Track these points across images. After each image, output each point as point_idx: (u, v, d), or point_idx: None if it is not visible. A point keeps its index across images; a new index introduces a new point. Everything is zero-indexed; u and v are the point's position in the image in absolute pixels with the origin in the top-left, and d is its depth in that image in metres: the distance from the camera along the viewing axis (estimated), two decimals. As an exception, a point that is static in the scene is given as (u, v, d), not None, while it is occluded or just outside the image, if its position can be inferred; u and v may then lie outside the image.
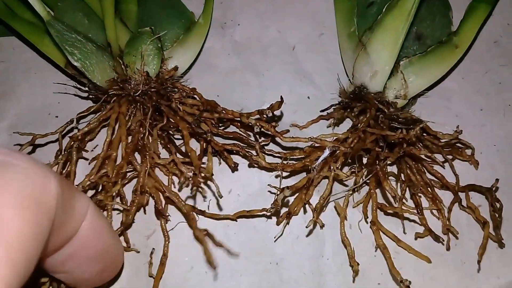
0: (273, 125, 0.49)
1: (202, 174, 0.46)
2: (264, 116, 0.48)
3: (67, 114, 0.55)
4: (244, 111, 0.55)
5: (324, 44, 0.61)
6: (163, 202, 0.50)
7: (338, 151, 0.48)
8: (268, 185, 0.52)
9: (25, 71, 0.60)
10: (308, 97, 0.59)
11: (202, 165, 0.47)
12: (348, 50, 0.54)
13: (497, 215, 0.49)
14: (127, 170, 0.51)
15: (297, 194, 0.50)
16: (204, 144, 0.51)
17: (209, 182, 0.52)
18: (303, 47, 0.61)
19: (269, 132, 0.49)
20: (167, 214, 0.50)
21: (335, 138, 0.49)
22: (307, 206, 0.51)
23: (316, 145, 0.49)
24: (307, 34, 0.62)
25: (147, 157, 0.50)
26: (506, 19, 0.63)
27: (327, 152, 0.46)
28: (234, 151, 0.52)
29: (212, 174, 0.47)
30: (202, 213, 0.49)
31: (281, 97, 0.48)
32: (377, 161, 0.47)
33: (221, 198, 0.49)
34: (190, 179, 0.46)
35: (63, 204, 0.28)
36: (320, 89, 0.59)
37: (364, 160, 0.52)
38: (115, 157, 0.49)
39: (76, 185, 0.48)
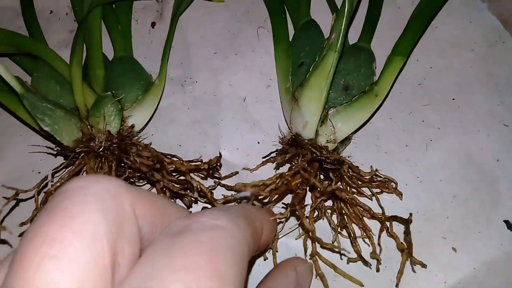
0: (210, 190, 0.54)
1: None
2: (206, 168, 0.53)
3: (48, 169, 0.59)
4: (202, 157, 0.59)
5: (271, 94, 0.65)
6: None
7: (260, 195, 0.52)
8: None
9: (12, 134, 0.64)
10: (258, 142, 0.63)
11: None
12: (286, 103, 0.58)
13: (407, 245, 0.52)
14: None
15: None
16: (161, 189, 0.55)
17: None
18: (252, 98, 0.66)
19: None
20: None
21: (261, 183, 0.53)
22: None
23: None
24: (256, 86, 0.66)
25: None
26: (430, 63, 0.67)
27: (247, 193, 0.50)
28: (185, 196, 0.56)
29: None
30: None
31: (220, 153, 0.53)
32: (296, 202, 0.51)
33: None
34: None
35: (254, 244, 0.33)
36: (268, 135, 0.63)
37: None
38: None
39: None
